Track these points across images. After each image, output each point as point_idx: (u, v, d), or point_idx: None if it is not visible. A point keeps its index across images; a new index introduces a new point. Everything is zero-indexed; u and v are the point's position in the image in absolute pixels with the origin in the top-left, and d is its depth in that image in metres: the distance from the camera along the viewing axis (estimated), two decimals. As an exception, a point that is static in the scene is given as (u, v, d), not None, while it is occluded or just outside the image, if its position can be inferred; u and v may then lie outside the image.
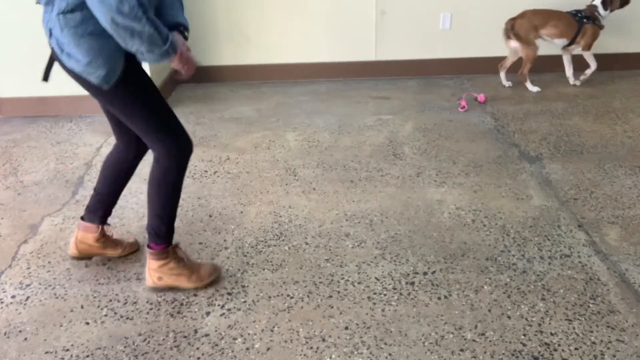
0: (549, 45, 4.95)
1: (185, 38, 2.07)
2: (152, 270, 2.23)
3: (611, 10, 4.37)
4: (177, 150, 2.11)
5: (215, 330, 2.03)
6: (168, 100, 4.59)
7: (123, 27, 1.72)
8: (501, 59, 4.99)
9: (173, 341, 1.99)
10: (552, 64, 4.99)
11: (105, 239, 2.41)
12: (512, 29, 4.34)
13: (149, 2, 1.77)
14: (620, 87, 4.61)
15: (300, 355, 1.91)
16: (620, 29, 4.89)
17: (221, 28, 4.88)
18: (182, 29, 2.07)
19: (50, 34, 1.90)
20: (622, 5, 4.39)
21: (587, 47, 4.43)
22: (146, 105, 2.05)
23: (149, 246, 2.21)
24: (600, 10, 4.36)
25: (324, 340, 1.97)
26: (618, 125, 3.81)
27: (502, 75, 4.68)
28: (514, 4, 4.79)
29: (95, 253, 2.42)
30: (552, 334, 1.96)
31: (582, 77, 4.58)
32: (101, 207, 2.38)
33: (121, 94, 1.98)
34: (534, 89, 4.50)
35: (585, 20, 4.33)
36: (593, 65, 4.55)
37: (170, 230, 2.22)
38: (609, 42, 4.94)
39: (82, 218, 2.40)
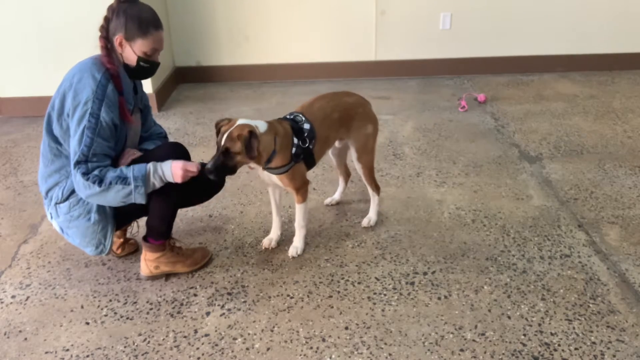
0: (547, 45, 4.96)
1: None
2: (149, 261, 2.28)
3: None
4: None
5: (215, 330, 2.03)
6: (168, 100, 4.61)
7: (95, 201, 2.03)
8: (501, 59, 4.99)
9: (173, 341, 1.99)
10: (552, 63, 5.00)
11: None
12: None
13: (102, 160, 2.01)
14: (620, 87, 4.61)
15: (300, 355, 1.90)
16: (620, 29, 4.90)
17: (221, 28, 4.88)
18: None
19: (51, 217, 2.21)
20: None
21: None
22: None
23: (146, 239, 2.25)
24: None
25: (324, 340, 1.97)
26: (618, 125, 3.81)
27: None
28: (514, 4, 4.80)
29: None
30: (552, 334, 1.96)
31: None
32: None
33: None
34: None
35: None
36: None
37: (170, 228, 2.27)
38: (609, 42, 4.94)
39: None
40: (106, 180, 1.97)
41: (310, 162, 2.36)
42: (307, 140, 2.28)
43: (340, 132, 2.47)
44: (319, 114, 2.36)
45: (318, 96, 2.49)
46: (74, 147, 1.97)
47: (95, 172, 1.97)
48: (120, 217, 2.21)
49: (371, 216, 2.68)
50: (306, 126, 2.29)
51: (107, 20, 2.05)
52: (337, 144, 2.58)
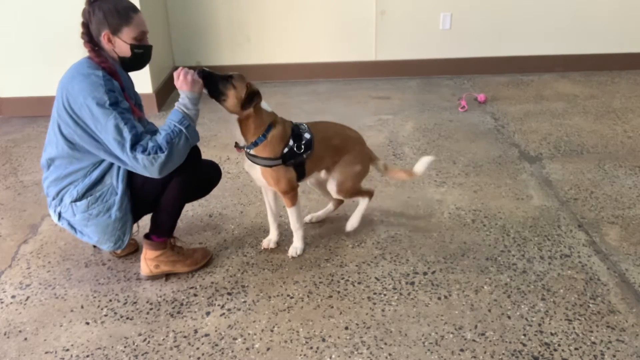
0: (547, 45, 4.96)
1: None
2: (149, 259, 2.28)
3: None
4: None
5: (215, 330, 2.03)
6: (168, 100, 4.60)
7: (167, 168, 2.01)
8: (501, 59, 4.99)
9: (173, 341, 1.99)
10: (552, 63, 5.00)
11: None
12: None
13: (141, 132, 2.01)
14: (620, 87, 4.61)
15: (300, 355, 1.90)
16: (620, 29, 4.90)
17: (221, 28, 4.88)
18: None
19: (59, 217, 2.18)
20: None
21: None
22: None
23: (148, 237, 2.25)
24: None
25: (324, 340, 1.97)
26: (618, 125, 3.81)
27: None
28: (514, 4, 4.80)
29: None
30: (552, 334, 1.96)
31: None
32: None
33: None
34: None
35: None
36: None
37: (174, 225, 2.29)
38: (609, 42, 4.94)
39: None
40: (163, 144, 1.98)
41: (300, 172, 2.34)
42: (303, 148, 2.28)
43: (333, 159, 2.42)
44: (321, 133, 2.36)
45: (323, 121, 2.56)
46: (116, 139, 1.95)
47: (150, 143, 1.97)
48: (135, 211, 2.21)
49: (353, 222, 2.57)
50: (307, 136, 2.30)
51: (85, 25, 2.06)
52: (322, 174, 2.49)
